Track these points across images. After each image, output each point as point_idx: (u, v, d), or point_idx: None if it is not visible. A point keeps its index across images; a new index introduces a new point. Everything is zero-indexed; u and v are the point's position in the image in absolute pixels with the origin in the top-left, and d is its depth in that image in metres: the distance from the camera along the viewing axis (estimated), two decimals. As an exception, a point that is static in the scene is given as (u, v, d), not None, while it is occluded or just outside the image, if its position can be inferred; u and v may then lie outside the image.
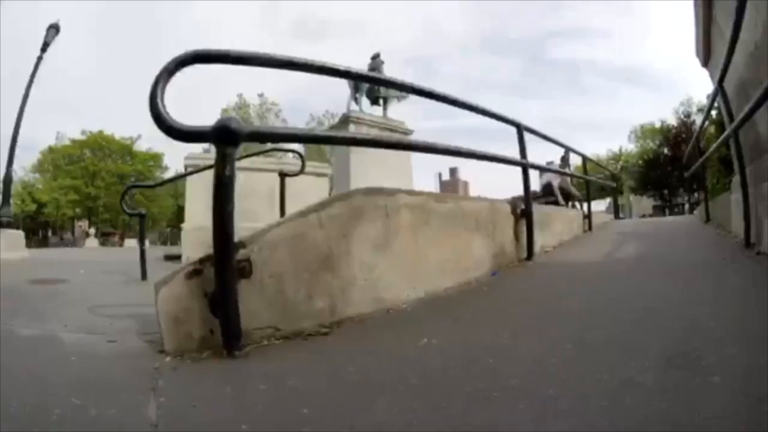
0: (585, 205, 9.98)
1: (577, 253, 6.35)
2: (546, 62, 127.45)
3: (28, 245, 13.73)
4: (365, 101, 19.32)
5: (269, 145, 11.01)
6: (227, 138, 2.34)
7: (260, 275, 2.83)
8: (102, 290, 5.60)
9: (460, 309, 3.51)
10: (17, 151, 12.69)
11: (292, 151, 9.18)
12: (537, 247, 5.44)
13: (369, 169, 14.26)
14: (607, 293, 3.61)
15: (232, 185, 2.48)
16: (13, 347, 2.75)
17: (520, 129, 5.68)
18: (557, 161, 14.06)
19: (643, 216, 41.83)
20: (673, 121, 51.39)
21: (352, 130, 16.76)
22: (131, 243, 40.07)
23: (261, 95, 55.90)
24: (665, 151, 51.69)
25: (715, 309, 2.72)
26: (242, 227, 7.88)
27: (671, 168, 47.90)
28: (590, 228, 8.82)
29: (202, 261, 2.66)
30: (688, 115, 48.71)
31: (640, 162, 55.51)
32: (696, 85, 60.65)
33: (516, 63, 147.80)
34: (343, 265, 3.24)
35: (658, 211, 52.34)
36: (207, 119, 2.61)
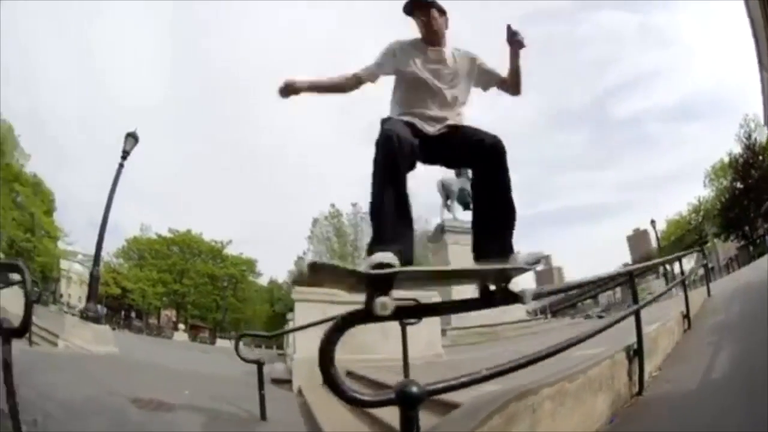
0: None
1: (684, 374, 5.27)
2: (610, 124, 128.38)
3: (109, 322, 13.66)
4: (457, 206, 19.23)
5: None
6: (410, 402, 2.05)
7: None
8: None
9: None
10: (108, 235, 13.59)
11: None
12: (645, 374, 4.97)
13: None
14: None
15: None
16: None
17: (632, 276, 5.51)
18: None
19: (729, 260, 39.08)
20: (737, 149, 47.22)
21: (448, 240, 17.16)
22: (224, 344, 40.23)
23: (354, 204, 56.76)
24: (738, 185, 47.48)
25: None
26: (357, 359, 6.88)
27: (746, 201, 44.35)
28: (689, 326, 7.62)
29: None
30: (749, 136, 45.40)
31: (718, 206, 51.90)
32: (747, 97, 57.28)
33: (584, 133, 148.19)
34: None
35: (743, 252, 48.67)
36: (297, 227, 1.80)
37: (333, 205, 57.21)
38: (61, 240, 54.91)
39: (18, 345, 8.47)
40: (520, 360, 2.82)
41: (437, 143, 3.21)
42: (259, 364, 6.19)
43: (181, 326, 45.40)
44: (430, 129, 3.21)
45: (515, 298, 2.79)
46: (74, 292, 57.93)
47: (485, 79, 3.54)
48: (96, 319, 12.44)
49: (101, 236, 13.39)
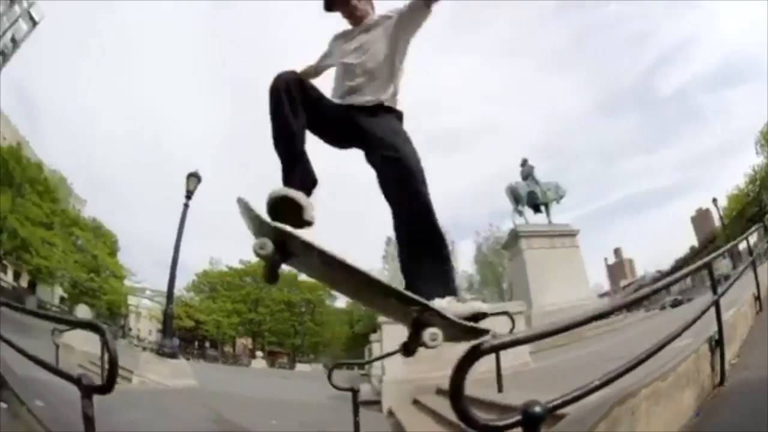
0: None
1: (762, 360, 4.95)
2: (657, 104, 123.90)
3: (182, 353, 13.68)
4: (527, 210, 19.05)
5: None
6: (535, 421, 1.90)
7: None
8: None
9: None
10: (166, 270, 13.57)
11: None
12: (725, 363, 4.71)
13: (545, 275, 15.19)
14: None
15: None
16: None
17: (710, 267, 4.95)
18: None
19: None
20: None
21: (523, 245, 17.08)
22: (304, 368, 40.63)
23: None
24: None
25: None
26: (442, 376, 6.51)
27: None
28: (761, 308, 7.18)
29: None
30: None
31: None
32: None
33: (634, 116, 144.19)
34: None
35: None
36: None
37: None
38: (128, 278, 57.02)
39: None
40: (626, 365, 2.69)
41: (342, 117, 2.94)
42: (354, 392, 5.94)
43: (259, 353, 45.82)
44: (339, 100, 3.03)
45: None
46: (144, 326, 60.03)
47: (408, 16, 3.11)
48: (172, 355, 12.57)
49: (173, 274, 13.47)
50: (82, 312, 13.92)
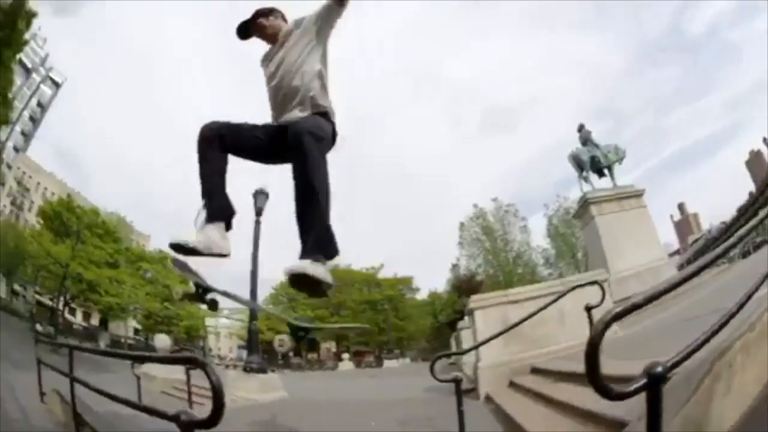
0: None
1: None
2: (693, 47, 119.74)
3: (268, 365, 13.82)
4: (592, 175, 18.86)
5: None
6: (658, 381, 1.90)
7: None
8: None
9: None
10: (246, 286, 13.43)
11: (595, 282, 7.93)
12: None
13: (619, 239, 15.06)
14: None
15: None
16: None
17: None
18: None
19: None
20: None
21: (593, 211, 16.97)
22: (391, 364, 41.00)
23: (495, 199, 58.86)
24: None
25: None
26: (540, 353, 7.66)
27: None
28: None
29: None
30: None
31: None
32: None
33: (674, 64, 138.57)
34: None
35: None
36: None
37: (476, 205, 58.37)
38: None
39: (178, 406, 8.66)
40: (721, 320, 2.66)
41: (277, 138, 3.25)
42: (457, 382, 5.80)
43: (345, 356, 46.39)
44: (274, 122, 3.41)
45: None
46: (223, 345, 61.58)
47: (322, 16, 3.31)
48: (261, 370, 12.64)
49: (254, 291, 13.61)
50: (162, 341, 14.34)
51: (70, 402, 5.46)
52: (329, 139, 3.19)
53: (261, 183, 13.93)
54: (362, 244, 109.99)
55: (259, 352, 13.74)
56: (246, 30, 3.60)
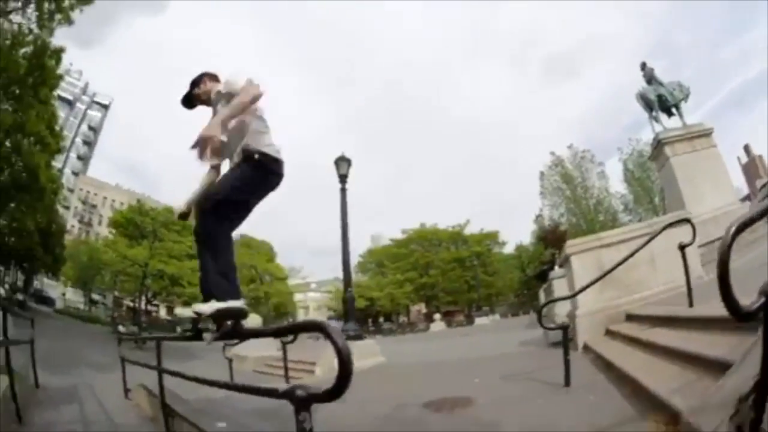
0: None
1: None
2: None
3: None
4: (662, 115, 18.18)
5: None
6: None
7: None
8: (544, 414, 4.45)
9: None
10: (334, 258, 14.28)
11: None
12: None
13: (695, 181, 14.67)
14: None
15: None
16: None
17: None
18: None
19: None
20: None
21: (668, 152, 16.36)
22: (482, 321, 41.12)
23: (570, 146, 58.42)
24: None
25: None
26: (633, 299, 7.60)
27: None
28: None
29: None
30: None
31: None
32: None
33: None
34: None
35: None
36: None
37: (553, 153, 57.62)
38: (293, 276, 60.28)
39: (276, 383, 8.75)
40: None
41: None
42: (564, 328, 5.88)
43: (437, 316, 46.83)
44: None
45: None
46: (312, 316, 62.71)
47: (225, 93, 3.82)
48: (358, 337, 12.70)
49: (346, 260, 13.82)
50: (253, 320, 14.66)
51: (158, 394, 5.45)
52: (226, 191, 3.62)
53: (341, 151, 14.07)
54: (447, 201, 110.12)
55: (354, 320, 13.75)
56: (190, 101, 4.15)
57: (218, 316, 3.44)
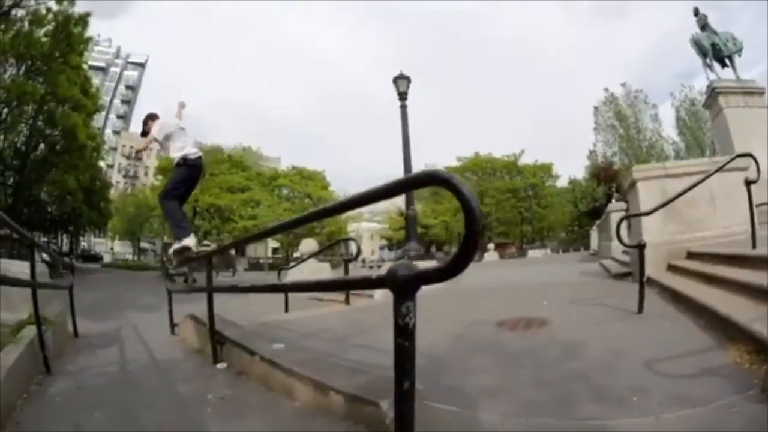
0: None
1: None
2: None
3: None
4: (715, 63, 17.72)
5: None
6: None
7: None
8: (621, 339, 4.42)
9: None
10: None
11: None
12: None
13: (747, 136, 13.99)
14: None
15: None
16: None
17: None
18: None
19: None
20: None
21: (722, 102, 15.79)
22: (535, 254, 41.33)
23: (624, 84, 57.02)
24: None
25: None
26: (694, 237, 7.20)
27: None
28: None
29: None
30: None
31: None
32: None
33: None
34: None
35: None
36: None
37: (606, 89, 57.28)
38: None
39: (339, 308, 9.35)
40: None
41: None
42: (641, 247, 5.78)
43: (491, 245, 46.97)
44: None
45: None
46: (366, 248, 63.67)
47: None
48: (420, 257, 12.37)
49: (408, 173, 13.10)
50: (308, 244, 14.89)
51: (206, 322, 5.29)
52: (169, 186, 7.03)
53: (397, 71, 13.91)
54: (500, 132, 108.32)
55: (417, 239, 13.32)
56: (143, 132, 7.10)
57: (180, 250, 6.46)
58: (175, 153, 6.55)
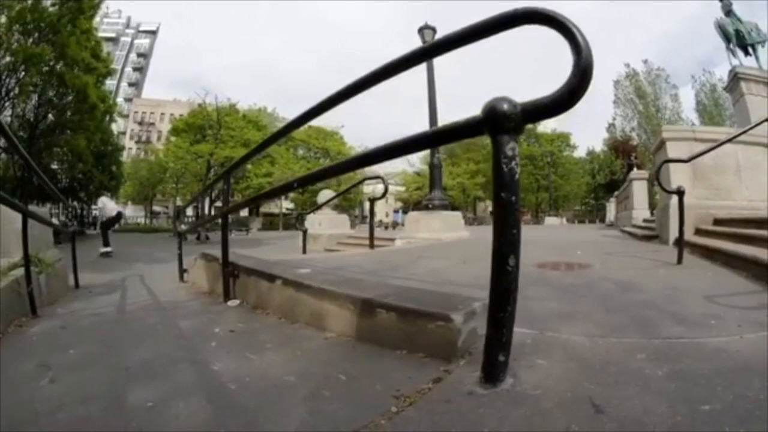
0: None
1: None
2: None
3: None
4: (738, 50, 17.45)
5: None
6: None
7: None
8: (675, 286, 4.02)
9: None
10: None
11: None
12: None
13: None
14: None
15: None
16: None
17: None
18: None
19: None
20: None
21: (743, 89, 15.35)
22: (551, 221, 41.86)
23: (645, 61, 57.14)
24: None
25: None
26: (719, 205, 7.11)
27: None
28: None
29: None
30: None
31: None
32: None
33: None
34: None
35: None
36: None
37: (627, 65, 56.78)
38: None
39: (360, 251, 9.05)
40: None
41: None
42: (681, 194, 5.52)
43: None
44: None
45: None
46: (379, 209, 63.32)
47: None
48: (445, 207, 12.00)
49: (433, 120, 12.57)
50: (325, 195, 14.87)
51: (218, 257, 4.75)
52: (104, 224, 14.75)
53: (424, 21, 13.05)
54: (519, 94, 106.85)
55: (441, 188, 12.79)
56: None
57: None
58: (109, 213, 13.23)
